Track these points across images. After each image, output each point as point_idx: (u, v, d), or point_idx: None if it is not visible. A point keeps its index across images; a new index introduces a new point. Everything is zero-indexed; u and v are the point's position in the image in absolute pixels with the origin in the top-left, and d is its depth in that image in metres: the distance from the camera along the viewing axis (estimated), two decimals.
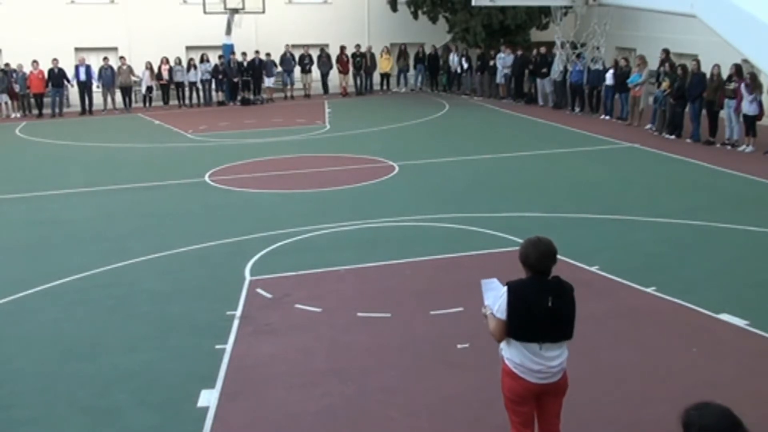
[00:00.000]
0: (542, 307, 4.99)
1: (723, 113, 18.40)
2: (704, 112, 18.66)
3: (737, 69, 17.90)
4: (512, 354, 5.10)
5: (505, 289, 5.08)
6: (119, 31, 27.34)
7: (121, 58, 25.98)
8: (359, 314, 8.78)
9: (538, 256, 5.03)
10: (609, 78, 22.09)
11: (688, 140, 18.68)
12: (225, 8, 26.85)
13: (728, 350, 7.75)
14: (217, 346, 7.96)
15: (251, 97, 27.11)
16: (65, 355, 7.95)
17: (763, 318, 8.31)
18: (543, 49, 24.76)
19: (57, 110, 25.04)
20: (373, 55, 28.68)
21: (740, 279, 9.65)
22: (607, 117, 22.18)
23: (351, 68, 28.44)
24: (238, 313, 8.85)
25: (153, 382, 7.33)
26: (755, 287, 9.36)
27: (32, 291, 9.68)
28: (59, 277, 10.10)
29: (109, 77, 25.47)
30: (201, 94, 26.85)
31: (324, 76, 28.36)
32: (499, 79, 26.36)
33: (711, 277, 9.75)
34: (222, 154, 18.15)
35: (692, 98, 18.69)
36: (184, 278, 10.14)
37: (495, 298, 5.18)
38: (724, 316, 8.45)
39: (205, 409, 6.76)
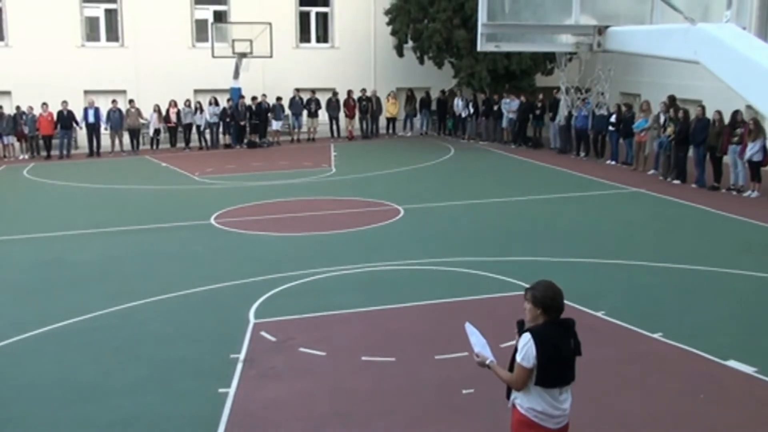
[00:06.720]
0: (569, 350, 4.97)
1: (727, 159, 18.46)
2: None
3: (734, 116, 17.97)
4: (533, 402, 4.95)
5: (528, 336, 4.90)
6: (128, 74, 27.69)
7: (131, 101, 26.26)
8: (364, 358, 8.73)
9: (560, 296, 4.97)
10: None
11: (693, 185, 18.71)
12: (233, 53, 27.20)
13: (736, 397, 7.67)
14: (221, 390, 7.91)
15: (257, 140, 27.32)
16: (68, 397, 7.91)
17: None
18: (556, 91, 24.98)
19: (65, 152, 25.25)
20: (378, 99, 28.95)
21: (748, 325, 9.58)
22: (613, 162, 22.27)
23: (357, 112, 28.69)
24: (242, 356, 8.81)
25: (155, 426, 7.27)
26: (763, 333, 9.29)
27: (36, 332, 9.66)
28: (64, 319, 10.09)
29: (117, 119, 25.75)
30: (208, 136, 27.09)
31: (334, 120, 28.60)
32: (505, 123, 26.58)
33: (718, 323, 9.68)
34: (228, 197, 18.23)
35: (696, 143, 18.79)
36: (188, 321, 10.12)
37: (480, 343, 5.17)
38: (732, 363, 8.37)
39: None
